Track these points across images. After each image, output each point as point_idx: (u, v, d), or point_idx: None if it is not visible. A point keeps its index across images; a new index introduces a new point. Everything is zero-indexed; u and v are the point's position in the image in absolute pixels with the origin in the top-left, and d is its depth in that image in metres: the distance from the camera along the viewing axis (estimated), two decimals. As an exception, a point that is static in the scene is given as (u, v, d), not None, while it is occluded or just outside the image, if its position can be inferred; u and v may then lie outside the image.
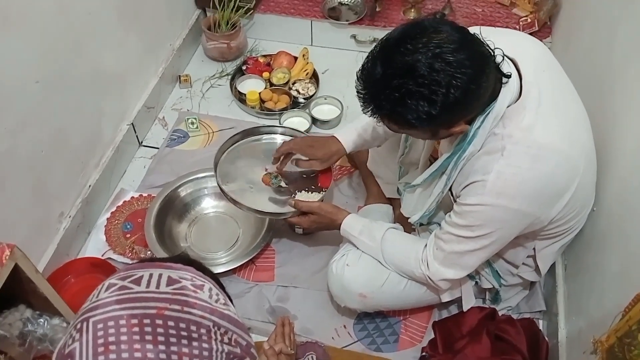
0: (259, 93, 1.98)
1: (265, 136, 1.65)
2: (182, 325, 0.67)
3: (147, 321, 0.66)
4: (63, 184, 1.54)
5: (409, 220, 1.32)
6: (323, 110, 1.99)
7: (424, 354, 1.40)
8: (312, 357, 1.33)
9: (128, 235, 1.61)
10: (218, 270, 1.51)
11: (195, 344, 0.67)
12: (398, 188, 1.50)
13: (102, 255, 1.57)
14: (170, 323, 0.67)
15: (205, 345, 0.68)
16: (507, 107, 1.01)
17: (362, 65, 0.98)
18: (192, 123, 1.93)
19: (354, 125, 1.46)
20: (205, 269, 0.78)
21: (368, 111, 0.99)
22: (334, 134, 1.47)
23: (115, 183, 1.78)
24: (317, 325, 1.48)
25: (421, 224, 1.33)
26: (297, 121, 1.94)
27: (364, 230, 1.33)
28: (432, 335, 1.45)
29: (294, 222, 1.47)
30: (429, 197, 1.22)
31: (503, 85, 1.00)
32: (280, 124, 1.91)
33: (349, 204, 1.70)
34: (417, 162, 1.38)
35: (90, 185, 1.64)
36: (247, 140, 1.63)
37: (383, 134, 1.43)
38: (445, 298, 1.33)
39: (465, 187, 1.07)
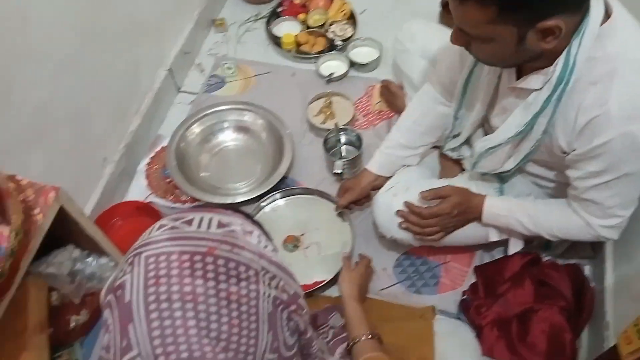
0: (295, 36, 1.93)
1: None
2: (232, 264, 0.67)
3: (197, 258, 0.67)
4: (105, 130, 1.56)
5: (498, 171, 1.22)
6: (361, 53, 1.93)
7: (464, 297, 1.39)
8: (335, 316, 1.32)
9: (168, 180, 1.63)
10: (238, 199, 1.54)
11: (243, 284, 0.67)
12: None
13: (145, 199, 1.61)
14: (220, 262, 0.67)
15: (252, 286, 0.68)
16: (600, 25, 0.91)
17: None
18: (229, 68, 1.91)
19: (387, 145, 1.42)
20: (253, 219, 0.78)
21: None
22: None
23: (156, 129, 1.79)
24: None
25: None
26: (335, 64, 1.89)
27: (512, 206, 1.22)
28: (474, 280, 1.44)
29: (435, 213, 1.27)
30: (524, 142, 1.10)
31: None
32: (317, 67, 1.87)
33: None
34: (471, 123, 1.28)
35: (131, 131, 1.66)
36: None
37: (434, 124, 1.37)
38: (493, 237, 1.29)
39: (581, 131, 0.96)
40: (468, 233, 1.32)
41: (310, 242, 1.53)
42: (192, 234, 0.69)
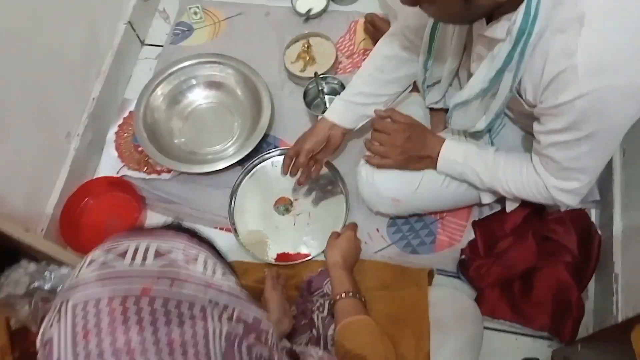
0: (266, -31, 1.72)
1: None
2: (172, 304, 0.58)
3: (131, 302, 0.57)
4: (64, 102, 1.42)
5: (471, 130, 1.11)
6: (340, -18, 1.72)
7: (463, 256, 1.31)
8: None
9: (140, 149, 1.50)
10: (220, 165, 1.43)
11: (187, 325, 0.58)
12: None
13: (117, 173, 1.50)
14: (158, 303, 0.58)
15: (199, 326, 0.59)
16: None
17: None
18: (195, 13, 1.72)
19: (347, 92, 1.27)
20: (200, 237, 0.68)
21: None
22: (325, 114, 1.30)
23: (122, 92, 1.65)
24: (348, 231, 1.40)
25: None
26: (311, -2, 1.70)
27: (470, 154, 1.12)
28: (472, 235, 1.35)
29: (378, 140, 1.18)
30: (494, 100, 0.99)
31: None
32: (292, 4, 1.68)
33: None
34: (445, 74, 1.16)
35: (94, 98, 1.52)
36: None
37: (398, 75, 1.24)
38: (486, 199, 1.20)
39: (547, 86, 0.85)
40: (458, 196, 1.22)
41: (302, 210, 1.44)
42: (125, 271, 0.59)
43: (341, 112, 1.28)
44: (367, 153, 1.22)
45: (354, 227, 1.31)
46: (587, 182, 1.00)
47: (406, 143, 1.15)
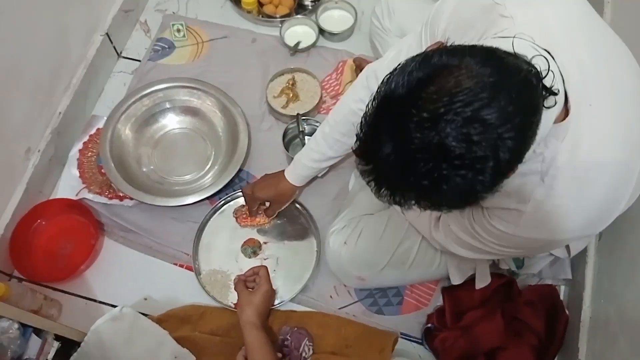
0: (257, -6, 1.66)
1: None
2: None
3: None
4: (27, 115, 1.32)
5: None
6: (333, 18, 1.67)
7: (429, 325, 1.27)
8: (307, 347, 1.22)
9: (104, 171, 1.41)
10: (187, 200, 1.37)
11: None
12: None
13: (77, 195, 1.41)
14: None
15: None
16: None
17: (359, 136, 0.67)
18: (179, 30, 1.64)
19: (311, 157, 1.23)
20: None
21: (384, 196, 0.69)
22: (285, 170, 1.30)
23: (91, 107, 1.56)
24: (314, 283, 1.35)
25: None
26: (302, 31, 1.64)
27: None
28: (440, 300, 1.32)
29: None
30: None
31: (545, 108, 0.67)
32: (281, 34, 1.61)
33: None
34: None
35: (60, 113, 1.42)
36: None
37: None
38: (456, 280, 1.17)
39: (494, 207, 0.84)
40: (424, 277, 1.20)
41: (271, 254, 1.38)
42: None
43: (303, 175, 1.27)
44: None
45: (266, 274, 1.26)
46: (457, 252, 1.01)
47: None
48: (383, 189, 0.66)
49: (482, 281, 1.18)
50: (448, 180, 0.60)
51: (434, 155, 0.59)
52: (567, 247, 1.13)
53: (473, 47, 0.63)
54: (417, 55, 0.63)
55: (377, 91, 0.65)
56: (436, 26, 0.87)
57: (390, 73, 0.64)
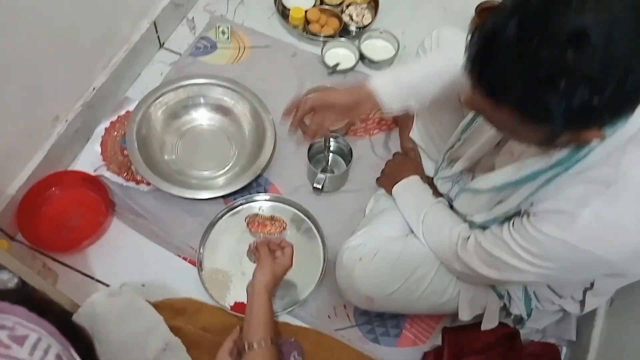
0: (305, 11, 1.69)
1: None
2: None
3: None
4: (63, 84, 1.33)
5: (467, 219, 1.07)
6: (375, 47, 1.69)
7: (425, 362, 1.24)
8: (294, 356, 1.19)
9: (126, 152, 1.41)
10: (203, 195, 1.36)
11: None
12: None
13: (95, 171, 1.40)
14: None
15: None
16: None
17: (487, 20, 0.65)
18: (223, 32, 1.67)
19: (396, 74, 1.13)
20: (46, 310, 0.58)
21: (477, 86, 0.69)
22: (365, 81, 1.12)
23: (125, 89, 1.57)
24: (314, 299, 1.32)
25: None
26: (342, 54, 1.66)
27: (422, 190, 1.22)
28: (439, 340, 1.29)
29: None
30: (500, 204, 0.95)
31: None
32: (322, 53, 1.64)
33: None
34: (467, 158, 1.11)
35: (95, 88, 1.44)
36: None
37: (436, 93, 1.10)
38: (464, 317, 1.14)
39: (546, 210, 0.82)
40: (434, 308, 1.17)
41: (276, 264, 1.36)
42: None
43: (389, 85, 1.10)
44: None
45: (292, 253, 1.23)
46: (495, 276, 0.96)
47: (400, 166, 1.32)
48: (482, 78, 0.67)
49: (489, 323, 1.15)
50: (569, 74, 0.59)
51: (566, 42, 0.58)
52: (582, 303, 1.10)
53: None
54: None
55: None
56: None
57: None
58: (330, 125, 1.20)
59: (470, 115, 1.08)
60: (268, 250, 1.23)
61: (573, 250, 0.79)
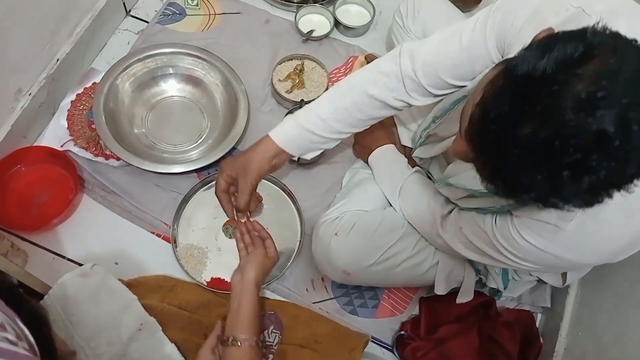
0: (278, -24, 1.63)
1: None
2: None
3: None
4: (24, 54, 1.27)
5: (453, 200, 1.04)
6: (350, 12, 1.64)
7: (402, 332, 1.25)
8: (273, 334, 1.18)
9: (94, 126, 1.36)
10: (175, 169, 1.32)
11: None
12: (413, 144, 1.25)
13: (62, 147, 1.35)
14: None
15: None
16: None
17: (472, 117, 0.62)
18: (193, -2, 1.60)
19: (308, 119, 1.03)
20: (12, 294, 0.58)
21: (489, 182, 0.64)
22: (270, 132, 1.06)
23: (91, 59, 1.50)
24: (292, 273, 1.32)
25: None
26: (317, 20, 1.61)
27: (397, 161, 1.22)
28: (416, 309, 1.30)
29: None
30: (480, 199, 0.93)
31: None
32: (295, 19, 1.58)
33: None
34: (441, 146, 1.09)
35: (59, 59, 1.37)
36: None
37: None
38: (440, 290, 1.14)
39: (529, 216, 0.79)
40: (410, 280, 1.18)
41: (252, 238, 1.34)
42: None
43: (295, 142, 1.05)
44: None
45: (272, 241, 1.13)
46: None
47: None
48: (499, 179, 0.61)
49: (465, 296, 1.16)
50: (592, 172, 0.54)
51: (588, 143, 0.53)
52: (564, 275, 1.11)
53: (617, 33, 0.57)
54: (562, 32, 0.58)
55: (502, 70, 0.60)
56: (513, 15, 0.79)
57: (523, 51, 0.59)
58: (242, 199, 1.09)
59: (447, 102, 1.06)
60: (262, 244, 1.12)
61: (554, 258, 0.80)
